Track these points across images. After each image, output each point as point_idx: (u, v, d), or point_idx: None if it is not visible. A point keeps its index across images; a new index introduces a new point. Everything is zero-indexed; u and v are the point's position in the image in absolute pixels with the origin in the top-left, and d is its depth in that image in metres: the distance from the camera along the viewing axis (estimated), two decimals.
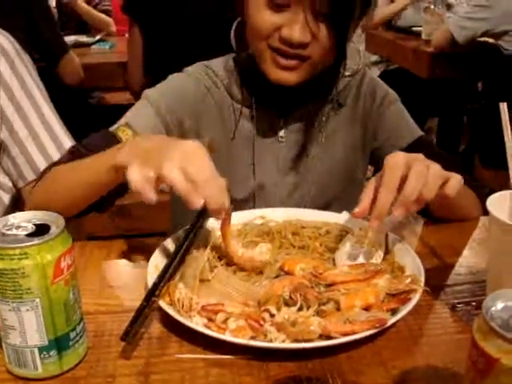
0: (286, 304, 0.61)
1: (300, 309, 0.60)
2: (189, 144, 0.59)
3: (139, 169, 0.57)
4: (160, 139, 0.66)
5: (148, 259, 0.69)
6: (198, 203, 0.56)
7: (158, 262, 0.68)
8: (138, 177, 0.57)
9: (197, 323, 0.58)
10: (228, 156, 0.94)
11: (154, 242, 0.73)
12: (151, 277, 0.64)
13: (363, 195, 0.66)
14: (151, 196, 0.56)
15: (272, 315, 0.59)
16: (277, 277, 0.68)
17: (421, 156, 0.65)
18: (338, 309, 0.61)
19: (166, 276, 0.63)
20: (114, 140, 0.82)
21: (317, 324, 0.56)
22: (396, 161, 0.64)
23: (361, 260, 0.71)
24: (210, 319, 0.59)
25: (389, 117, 0.97)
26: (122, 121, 0.88)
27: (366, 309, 0.61)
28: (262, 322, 0.57)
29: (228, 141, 0.95)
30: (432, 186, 0.63)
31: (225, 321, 0.58)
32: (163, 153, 0.58)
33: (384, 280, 0.65)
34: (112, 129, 0.86)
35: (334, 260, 0.72)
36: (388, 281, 0.65)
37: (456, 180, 0.65)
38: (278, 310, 0.59)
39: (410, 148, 0.94)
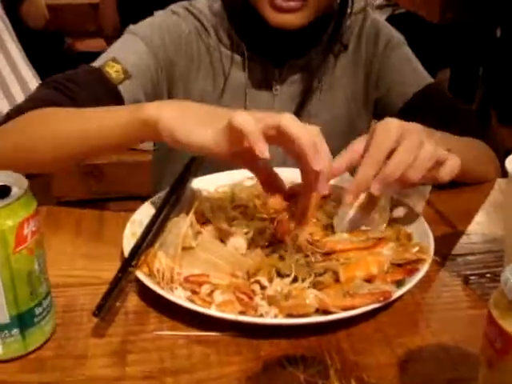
0: (279, 275, 0.61)
1: (294, 280, 0.60)
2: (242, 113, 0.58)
3: (247, 115, 0.56)
4: (200, 107, 0.65)
5: (124, 226, 0.69)
6: (322, 163, 0.57)
7: (135, 228, 0.68)
8: (252, 123, 0.55)
9: (179, 296, 0.58)
10: None
11: (131, 207, 0.73)
12: (128, 245, 0.64)
13: (343, 153, 0.65)
14: (266, 147, 0.55)
15: (263, 287, 0.59)
16: (268, 245, 0.67)
17: (418, 127, 0.64)
18: (337, 280, 0.61)
19: (143, 244, 0.63)
20: (103, 77, 0.81)
21: (313, 297, 0.57)
22: (387, 129, 0.62)
23: (363, 226, 0.71)
24: (193, 292, 0.59)
25: (393, 61, 0.95)
26: (107, 56, 0.86)
27: (368, 280, 0.61)
28: (251, 295, 0.58)
29: (218, 93, 0.94)
30: (419, 168, 0.61)
31: (210, 293, 0.58)
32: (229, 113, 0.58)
33: (388, 248, 0.66)
34: (97, 64, 0.84)
35: (332, 226, 0.72)
36: (393, 249, 0.66)
37: (453, 163, 0.64)
38: (270, 281, 0.59)
39: (418, 97, 0.93)
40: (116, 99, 0.83)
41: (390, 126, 0.63)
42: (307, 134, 0.57)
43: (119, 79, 0.83)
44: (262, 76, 0.94)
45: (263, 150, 0.55)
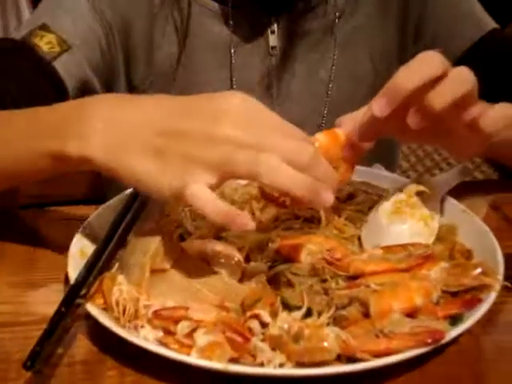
0: (286, 307, 0.61)
1: (308, 314, 0.60)
2: (232, 98, 0.60)
3: (200, 176, 0.59)
4: (166, 100, 0.64)
5: (69, 240, 0.69)
6: (330, 197, 0.60)
7: (84, 244, 0.69)
8: (211, 197, 0.59)
9: (146, 338, 0.58)
10: (189, 78, 0.96)
11: (78, 214, 0.75)
12: (74, 267, 0.65)
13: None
14: (250, 222, 0.58)
15: (264, 324, 0.59)
16: (272, 266, 0.68)
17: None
18: (367, 315, 0.61)
19: (96, 266, 0.64)
20: (30, 53, 0.80)
21: (333, 338, 0.56)
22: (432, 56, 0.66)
23: (402, 239, 0.71)
24: (166, 331, 0.59)
25: (439, 2, 0.97)
26: (33, 21, 0.85)
27: (411, 315, 0.61)
28: (247, 336, 0.57)
29: (191, 59, 0.96)
30: (446, 91, 0.64)
31: (190, 334, 0.58)
32: (203, 130, 0.59)
33: (438, 270, 0.66)
34: (20, 36, 0.83)
35: (359, 239, 0.73)
36: (445, 271, 0.66)
37: (499, 112, 0.66)
38: (274, 316, 0.59)
39: (477, 49, 0.94)
40: (51, 82, 0.83)
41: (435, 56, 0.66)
42: (297, 181, 0.59)
43: (53, 53, 0.83)
44: (253, 29, 0.95)
45: (245, 223, 0.58)
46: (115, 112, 0.63)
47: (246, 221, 0.58)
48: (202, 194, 0.58)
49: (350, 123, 0.70)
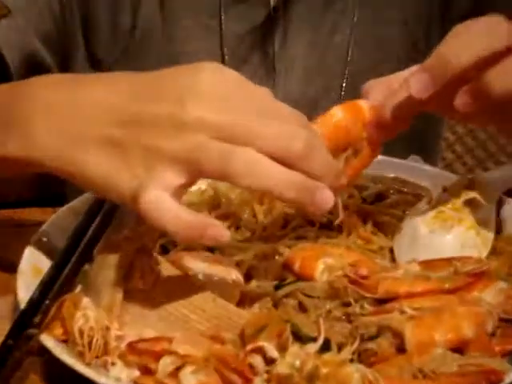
0: (298, 337, 0.61)
1: (325, 347, 0.59)
2: (201, 71, 0.60)
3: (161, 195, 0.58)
4: (124, 80, 0.65)
5: (19, 253, 0.69)
6: (328, 199, 0.60)
7: (38, 258, 0.69)
8: (170, 206, 0.58)
9: (118, 378, 0.58)
10: (169, 49, 0.97)
11: (30, 219, 0.74)
12: (25, 287, 0.64)
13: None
14: (225, 233, 0.59)
15: (269, 360, 0.58)
16: (279, 285, 0.68)
17: None
18: (401, 349, 0.60)
19: (54, 286, 0.64)
20: None
21: (358, 379, 0.55)
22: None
23: (447, 251, 0.71)
24: (144, 370, 0.59)
25: None
26: None
27: (459, 349, 0.61)
28: (249, 375, 0.57)
29: (172, 20, 0.96)
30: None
31: (174, 373, 0.57)
32: (168, 116, 0.59)
33: (494, 292, 0.65)
34: None
35: (391, 251, 0.74)
36: (503, 293, 0.65)
37: None
38: (282, 349, 0.59)
39: None
40: None
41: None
42: (282, 180, 0.58)
43: None
44: None
45: (219, 235, 0.58)
46: (61, 98, 0.64)
47: (219, 232, 0.58)
48: (159, 203, 0.57)
49: (379, 92, 0.70)
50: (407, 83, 0.65)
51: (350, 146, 0.69)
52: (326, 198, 0.59)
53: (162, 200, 0.57)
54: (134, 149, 0.59)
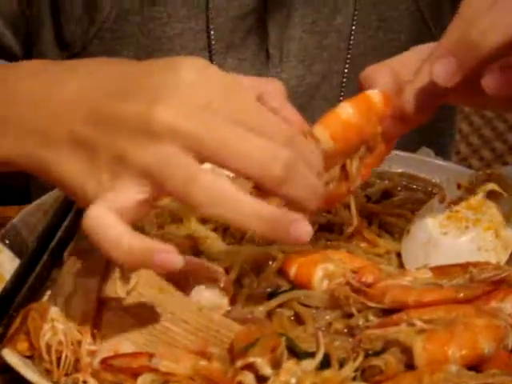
0: (293, 353, 0.61)
1: (325, 364, 0.60)
2: (182, 69, 0.60)
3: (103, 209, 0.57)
4: (103, 69, 0.65)
5: None
6: (304, 232, 0.58)
7: (1, 263, 0.69)
8: (114, 226, 0.57)
9: None
10: (149, 31, 0.97)
11: None
12: None
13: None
14: (177, 260, 0.57)
15: (262, 378, 0.58)
16: (273, 293, 0.69)
17: None
18: (410, 365, 0.61)
19: (18, 294, 0.64)
20: None
21: None
22: None
23: (462, 255, 0.71)
24: None
25: None
26: None
27: (475, 366, 0.61)
28: None
29: None
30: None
31: None
32: (138, 117, 0.58)
33: None
34: None
35: (399, 255, 0.74)
36: None
37: None
38: (276, 365, 0.59)
39: None
40: None
41: None
42: (246, 212, 0.58)
43: None
44: None
45: (171, 262, 0.57)
46: (35, 95, 0.64)
47: (169, 259, 0.57)
48: (101, 220, 0.57)
49: (385, 77, 0.70)
50: (429, 69, 0.65)
51: (363, 144, 0.69)
52: (302, 231, 0.58)
53: (106, 218, 0.57)
54: (102, 152, 0.59)
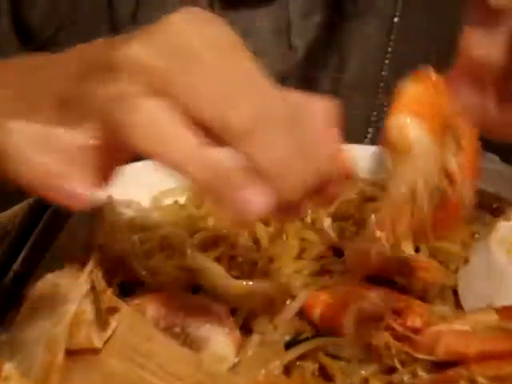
0: None
1: None
2: (181, 19, 0.62)
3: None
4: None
5: None
6: (255, 204, 0.59)
7: None
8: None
9: None
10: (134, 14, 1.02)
11: None
12: None
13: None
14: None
15: None
16: (293, 341, 0.70)
17: None
18: None
19: None
20: None
21: None
22: None
23: None
24: None
25: None
26: None
27: None
28: None
29: None
30: None
31: None
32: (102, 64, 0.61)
33: None
34: None
35: (455, 293, 0.75)
36: None
37: None
38: None
39: None
40: None
41: None
42: (193, 155, 0.59)
43: None
44: None
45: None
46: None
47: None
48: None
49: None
50: None
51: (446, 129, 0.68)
52: (252, 202, 0.59)
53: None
54: (72, 98, 0.62)
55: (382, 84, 1.12)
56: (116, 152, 0.62)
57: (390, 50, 1.12)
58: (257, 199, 0.58)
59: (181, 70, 0.59)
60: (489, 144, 0.93)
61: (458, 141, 0.69)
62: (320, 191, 0.63)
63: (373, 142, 1.04)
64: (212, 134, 0.59)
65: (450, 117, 0.69)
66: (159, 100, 0.58)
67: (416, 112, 0.67)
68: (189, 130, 0.58)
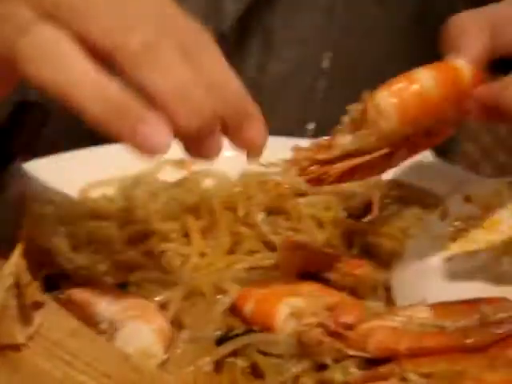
0: None
1: None
2: None
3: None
4: None
5: None
6: (156, 138, 0.59)
7: None
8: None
9: None
10: None
11: None
12: None
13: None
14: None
15: None
16: (224, 337, 0.70)
17: None
18: None
19: None
20: None
21: None
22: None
23: (471, 290, 0.72)
24: None
25: None
26: None
27: None
28: None
29: None
30: None
31: None
32: None
33: None
34: None
35: (388, 289, 0.75)
36: None
37: None
38: None
39: None
40: None
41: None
42: (92, 92, 0.59)
43: None
44: None
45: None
46: None
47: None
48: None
49: (482, 42, 0.70)
50: None
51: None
52: (153, 135, 0.59)
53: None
54: None
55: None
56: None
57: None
58: (157, 132, 0.58)
59: None
60: None
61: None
62: (233, 129, 0.63)
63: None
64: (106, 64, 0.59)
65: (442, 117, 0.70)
66: (53, 24, 0.57)
67: (397, 95, 0.68)
68: (82, 54, 0.57)
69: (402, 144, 0.70)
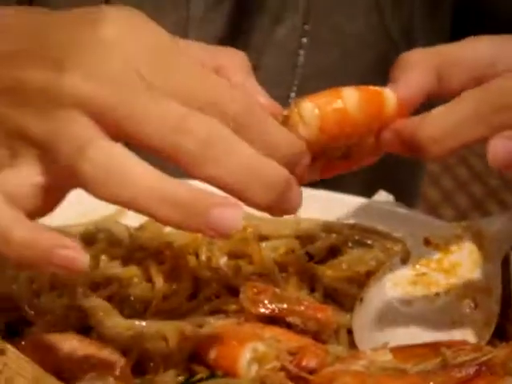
0: None
1: None
2: (113, 21, 0.62)
3: None
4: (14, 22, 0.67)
5: None
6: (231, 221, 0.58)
7: None
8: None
9: None
10: None
11: None
12: None
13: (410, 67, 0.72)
14: (84, 260, 0.58)
15: None
16: (190, 380, 0.70)
17: None
18: None
19: None
20: None
21: None
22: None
23: (432, 333, 0.72)
24: None
25: None
26: None
27: None
28: None
29: None
30: None
31: None
32: (43, 81, 0.60)
33: None
34: None
35: (350, 332, 0.76)
36: None
37: None
38: None
39: None
40: None
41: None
42: (158, 197, 0.58)
43: None
44: None
45: (75, 260, 0.57)
46: None
47: (75, 256, 0.57)
48: None
49: (425, 77, 0.71)
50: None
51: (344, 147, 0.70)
52: (226, 216, 0.58)
53: None
54: (3, 124, 0.60)
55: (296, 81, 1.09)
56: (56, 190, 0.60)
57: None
58: (229, 213, 0.57)
59: (114, 96, 0.58)
60: (383, 182, 0.95)
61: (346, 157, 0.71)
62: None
63: None
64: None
65: (359, 138, 0.70)
66: (106, 134, 0.57)
67: (321, 107, 0.69)
68: (142, 164, 0.57)
69: (319, 157, 0.71)
